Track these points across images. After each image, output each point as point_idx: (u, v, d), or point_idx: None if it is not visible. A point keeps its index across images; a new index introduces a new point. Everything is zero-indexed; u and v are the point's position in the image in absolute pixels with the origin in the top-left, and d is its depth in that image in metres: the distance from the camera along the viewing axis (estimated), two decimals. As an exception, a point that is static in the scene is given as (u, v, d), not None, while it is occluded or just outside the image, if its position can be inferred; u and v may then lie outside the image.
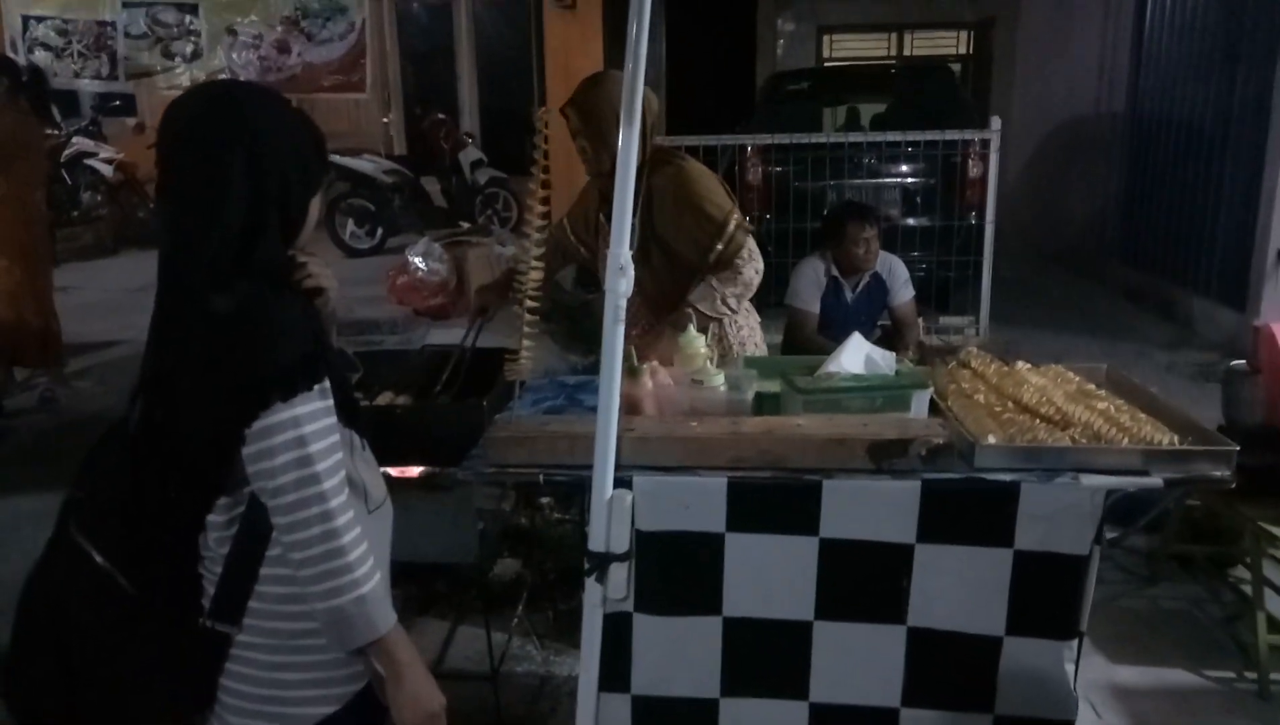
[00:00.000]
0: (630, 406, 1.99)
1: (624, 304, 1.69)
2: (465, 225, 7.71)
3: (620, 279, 1.67)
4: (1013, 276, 7.18)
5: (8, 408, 4.81)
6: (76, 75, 5.30)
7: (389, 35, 9.68)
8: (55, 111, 5.04)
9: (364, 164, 8.36)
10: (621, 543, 1.79)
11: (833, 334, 4.15)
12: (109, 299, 7.16)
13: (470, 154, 8.89)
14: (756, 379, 2.09)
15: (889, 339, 4.37)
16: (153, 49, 5.49)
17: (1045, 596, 1.79)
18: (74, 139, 8.43)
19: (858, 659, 1.86)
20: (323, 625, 1.35)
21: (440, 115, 8.65)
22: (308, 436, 1.30)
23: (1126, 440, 1.84)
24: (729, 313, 2.61)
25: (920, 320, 4.73)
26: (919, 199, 6.63)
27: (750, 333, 2.84)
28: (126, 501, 1.36)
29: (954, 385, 2.14)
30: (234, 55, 5.53)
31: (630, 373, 1.98)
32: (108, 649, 1.35)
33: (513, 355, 1.90)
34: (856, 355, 2.05)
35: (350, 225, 8.51)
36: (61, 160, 8.27)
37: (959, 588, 1.80)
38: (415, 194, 8.73)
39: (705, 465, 1.81)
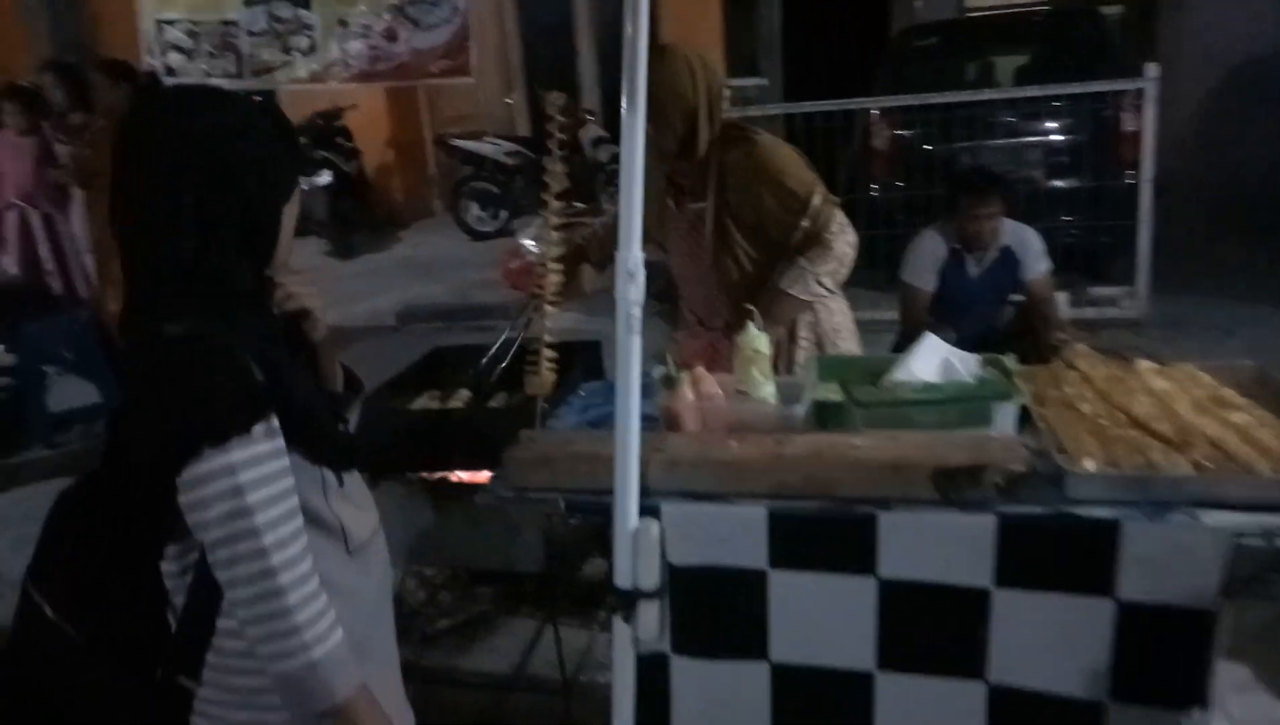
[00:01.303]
0: (669, 422, 1.79)
1: (637, 312, 1.48)
2: (580, 205, 7.61)
3: (630, 285, 1.46)
4: (1179, 241, 6.44)
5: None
6: (206, 75, 5.45)
7: (508, 15, 9.68)
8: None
9: (485, 146, 8.40)
10: (651, 578, 1.59)
11: (955, 313, 3.80)
12: (248, 289, 7.48)
13: (591, 131, 8.78)
14: (820, 386, 1.84)
15: (1024, 317, 3.96)
16: (272, 45, 5.61)
17: (1159, 657, 1.47)
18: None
19: (929, 716, 1.60)
20: (275, 687, 1.23)
21: (557, 93, 8.56)
22: (244, 485, 1.17)
23: (1268, 465, 1.49)
24: (826, 293, 2.36)
25: (1065, 293, 4.29)
26: (1066, 158, 6.03)
27: (844, 319, 2.57)
28: (76, 549, 1.28)
29: (1055, 391, 1.82)
30: (345, 46, 5.58)
31: (667, 383, 1.78)
32: (61, 705, 1.27)
33: (532, 365, 1.72)
34: (931, 359, 1.77)
35: (474, 208, 8.59)
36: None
37: (1048, 641, 1.51)
38: (537, 174, 8.70)
39: (743, 492, 1.59)
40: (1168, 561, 1.42)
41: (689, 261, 2.54)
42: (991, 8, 9.92)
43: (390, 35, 5.41)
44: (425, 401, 2.87)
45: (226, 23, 5.66)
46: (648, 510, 1.59)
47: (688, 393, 1.77)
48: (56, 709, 1.27)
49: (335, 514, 1.36)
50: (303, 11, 5.43)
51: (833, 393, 1.82)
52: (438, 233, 8.82)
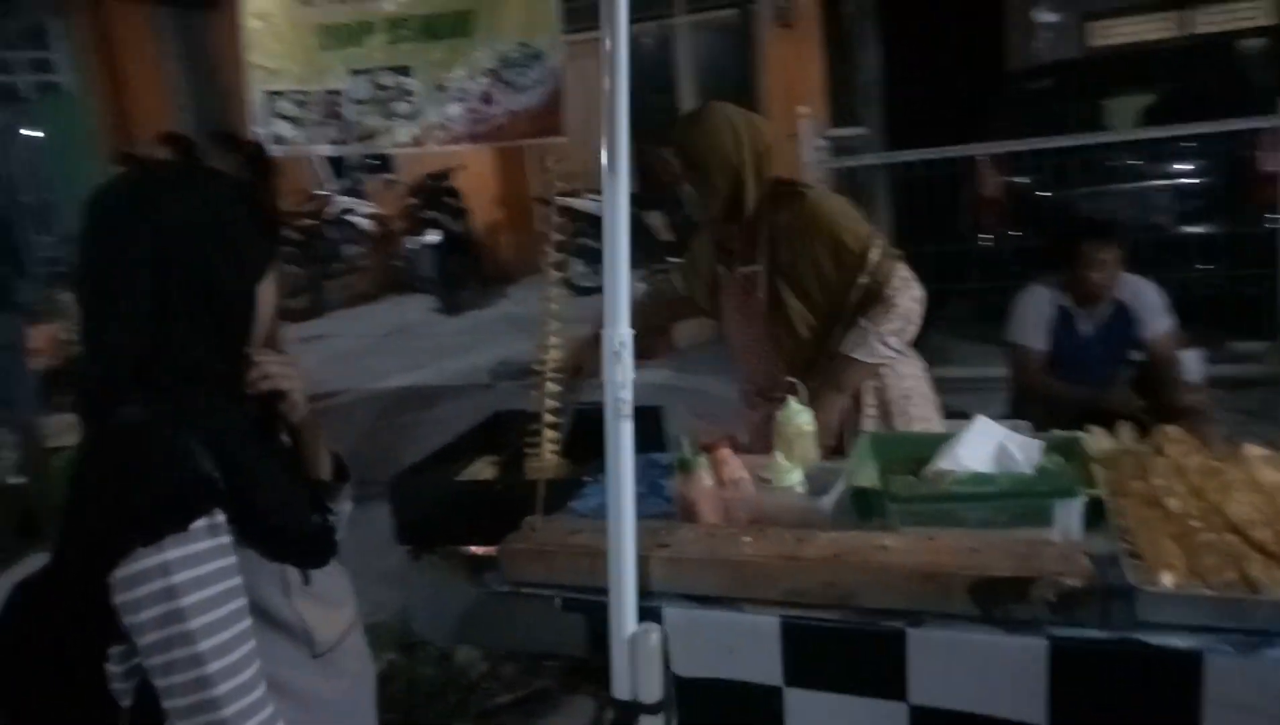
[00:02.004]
0: (684, 511, 1.62)
1: (626, 396, 1.34)
2: (673, 260, 7.53)
3: (617, 365, 1.32)
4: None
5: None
6: (313, 142, 5.63)
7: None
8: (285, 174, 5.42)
9: (588, 203, 8.44)
10: (652, 689, 1.42)
11: (1068, 374, 3.48)
12: (359, 345, 7.71)
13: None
14: (865, 468, 1.64)
15: (1145, 380, 3.59)
16: (375, 111, 5.75)
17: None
18: (338, 198, 9.26)
19: None
20: None
21: (660, 148, 8.56)
22: (179, 587, 1.08)
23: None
24: (893, 355, 2.16)
25: (1200, 350, 3.88)
26: (1199, 202, 5.56)
27: (916, 383, 2.35)
28: (23, 644, 1.21)
29: (1139, 482, 1.56)
30: (444, 110, 5.67)
31: (683, 467, 1.62)
32: None
33: (532, 446, 1.59)
34: (983, 444, 1.54)
35: (578, 265, 8.62)
36: (327, 218, 9.11)
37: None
38: (638, 229, 8.69)
39: (754, 598, 1.41)
40: (1264, 708, 1.16)
41: (743, 329, 2.38)
42: (1115, 44, 9.42)
43: (487, 99, 5.43)
44: (480, 468, 2.78)
45: (332, 92, 5.80)
46: (649, 613, 1.43)
47: (705, 478, 1.60)
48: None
49: (298, 615, 1.26)
50: (404, 79, 5.53)
51: (875, 479, 1.61)
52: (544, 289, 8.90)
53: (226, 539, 1.14)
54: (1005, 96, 6.51)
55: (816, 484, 1.60)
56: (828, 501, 1.51)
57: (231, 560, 1.14)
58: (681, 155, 2.21)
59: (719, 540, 1.48)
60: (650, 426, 2.89)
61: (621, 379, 1.31)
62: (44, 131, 9.76)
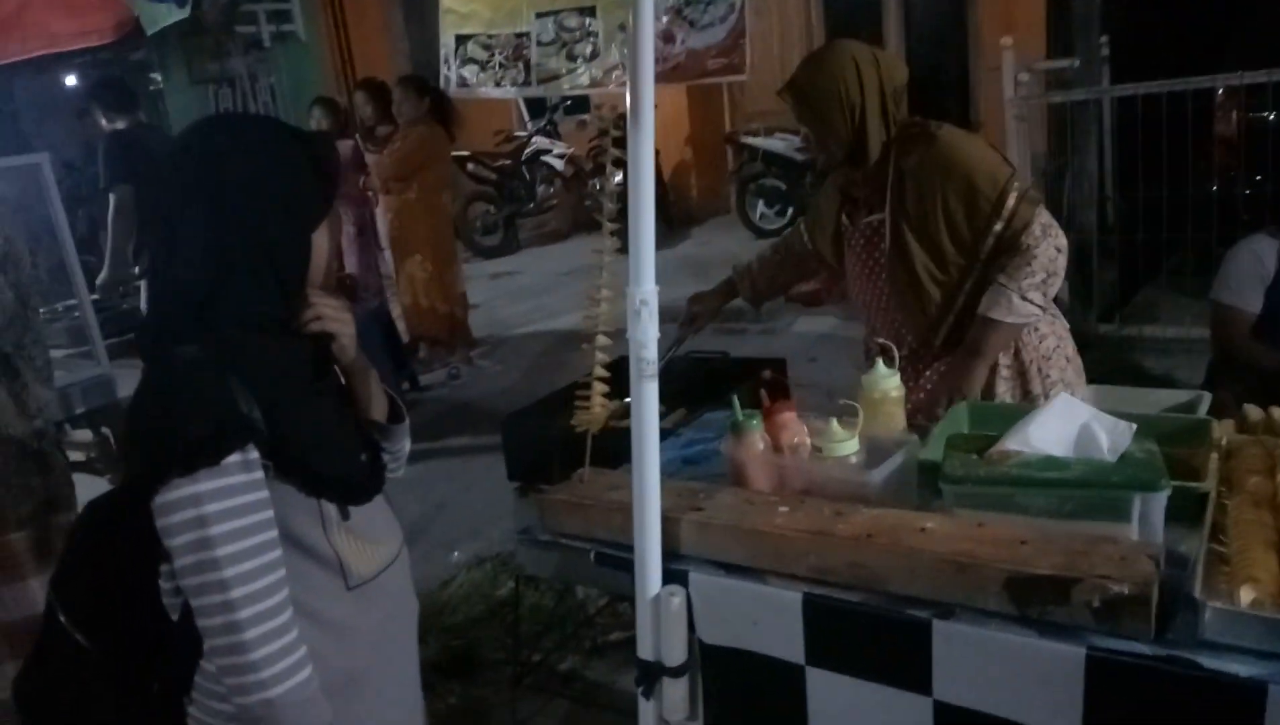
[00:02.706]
0: (734, 475, 1.57)
1: (650, 356, 1.30)
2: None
3: (640, 323, 1.28)
4: None
5: (423, 382, 5.55)
6: (497, 84, 5.85)
7: (814, 8, 9.37)
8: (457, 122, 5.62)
9: (775, 143, 8.22)
10: (675, 654, 1.40)
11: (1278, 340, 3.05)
12: (542, 282, 7.97)
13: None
14: (938, 443, 1.52)
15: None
16: (559, 53, 5.87)
17: None
18: (534, 139, 9.53)
19: None
20: (238, 718, 1.23)
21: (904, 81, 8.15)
22: (209, 516, 1.17)
23: None
24: (1037, 311, 1.98)
25: None
26: None
27: (1056, 342, 2.15)
28: (91, 560, 1.35)
29: (1260, 478, 1.34)
30: (625, 51, 5.66)
31: (735, 429, 1.55)
32: (67, 710, 1.36)
33: (583, 397, 1.59)
34: (1061, 424, 1.37)
35: (760, 205, 8.46)
36: (522, 158, 9.40)
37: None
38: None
39: (779, 572, 1.34)
40: (1335, 758, 0.98)
41: (867, 284, 2.24)
42: None
43: (668, 37, 5.39)
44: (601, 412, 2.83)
45: (520, 35, 5.94)
46: (675, 577, 1.41)
47: (758, 442, 1.53)
48: (68, 717, 1.36)
49: (333, 548, 1.33)
50: (589, 19, 5.58)
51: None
52: (726, 231, 8.81)
53: (259, 474, 1.21)
54: (1247, 20, 5.68)
55: (878, 454, 1.49)
56: (878, 475, 1.40)
57: (263, 495, 1.21)
58: (797, 97, 2.08)
59: (755, 508, 1.42)
60: (772, 382, 2.84)
61: (644, 338, 1.27)
62: (279, 78, 10.65)
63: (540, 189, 9.49)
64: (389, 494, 1.50)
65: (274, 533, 1.22)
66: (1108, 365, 4.66)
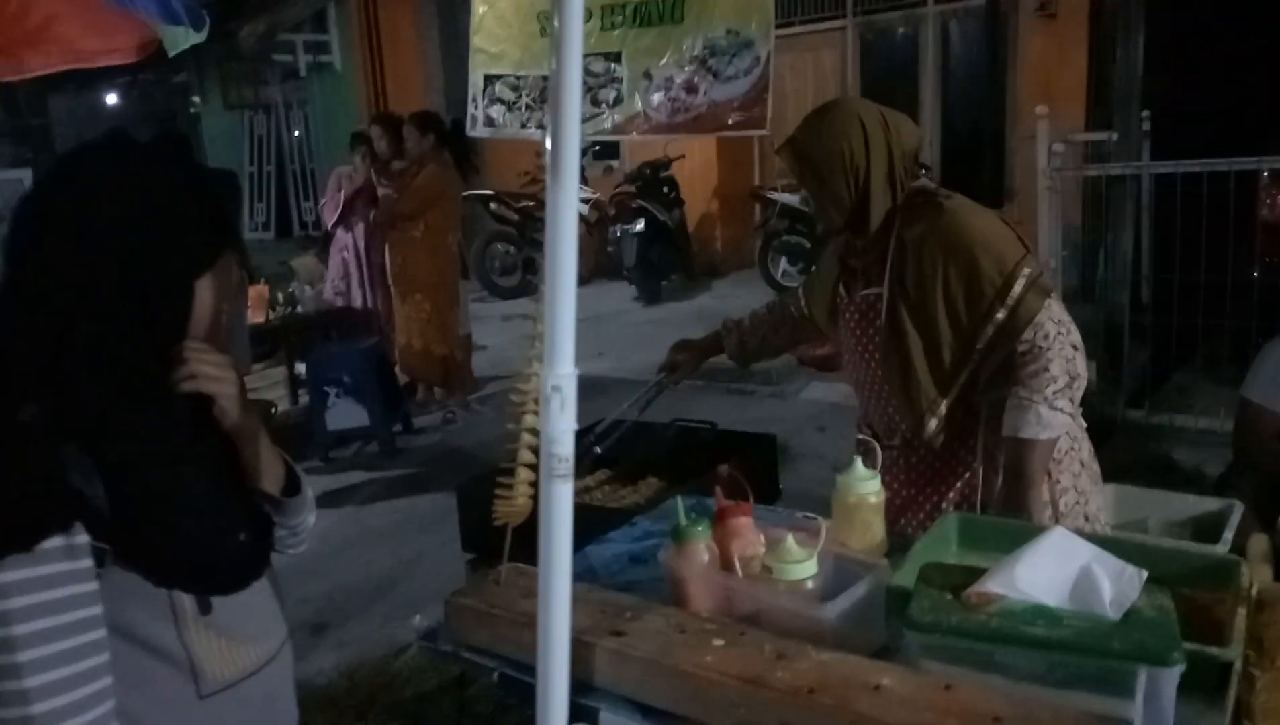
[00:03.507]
0: (673, 591, 1.34)
1: (563, 452, 1.09)
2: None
3: (552, 413, 1.06)
4: None
5: (417, 425, 5.37)
6: (523, 126, 5.75)
7: (850, 67, 9.25)
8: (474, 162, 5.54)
9: (796, 199, 8.06)
10: (582, 804, 1.17)
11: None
12: (554, 328, 7.80)
13: (920, 186, 8.06)
14: (912, 565, 1.29)
15: None
16: (583, 98, 5.73)
17: None
18: (559, 182, 9.44)
19: None
20: None
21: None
22: (14, 613, 0.98)
23: None
24: (1068, 418, 1.77)
25: None
26: None
27: (1072, 445, 1.93)
28: None
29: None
30: (647, 98, 5.56)
31: (677, 536, 1.33)
32: None
33: (504, 487, 1.38)
34: (1056, 564, 1.14)
35: (783, 262, 8.26)
36: (544, 200, 9.28)
37: None
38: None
39: (702, 721, 1.11)
40: None
41: (859, 362, 2.03)
42: None
43: (690, 87, 5.24)
44: (592, 480, 2.65)
45: (547, 77, 5.77)
46: (584, 713, 1.18)
47: (702, 554, 1.31)
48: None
49: (185, 648, 1.13)
50: (614, 65, 5.43)
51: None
52: (747, 286, 8.62)
53: (86, 563, 1.03)
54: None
55: (843, 578, 1.27)
56: (833, 609, 1.17)
57: (88, 588, 1.03)
58: (800, 157, 1.89)
59: (685, 639, 1.19)
60: (757, 456, 2.62)
61: (556, 432, 1.06)
62: (313, 107, 10.70)
63: (562, 233, 9.38)
64: (277, 579, 1.30)
65: (97, 633, 1.03)
66: (1133, 454, 4.38)
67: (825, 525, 1.30)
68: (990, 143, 8.13)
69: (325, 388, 4.79)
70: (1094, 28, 7.35)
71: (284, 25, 9.99)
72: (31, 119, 9.21)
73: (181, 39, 4.46)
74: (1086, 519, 1.92)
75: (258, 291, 5.31)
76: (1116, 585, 1.11)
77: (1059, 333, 1.74)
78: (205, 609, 1.14)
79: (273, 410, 5.35)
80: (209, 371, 1.15)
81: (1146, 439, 4.63)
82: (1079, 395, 1.78)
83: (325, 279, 5.98)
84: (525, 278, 9.18)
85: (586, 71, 6.10)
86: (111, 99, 12.05)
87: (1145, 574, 1.13)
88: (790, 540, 1.26)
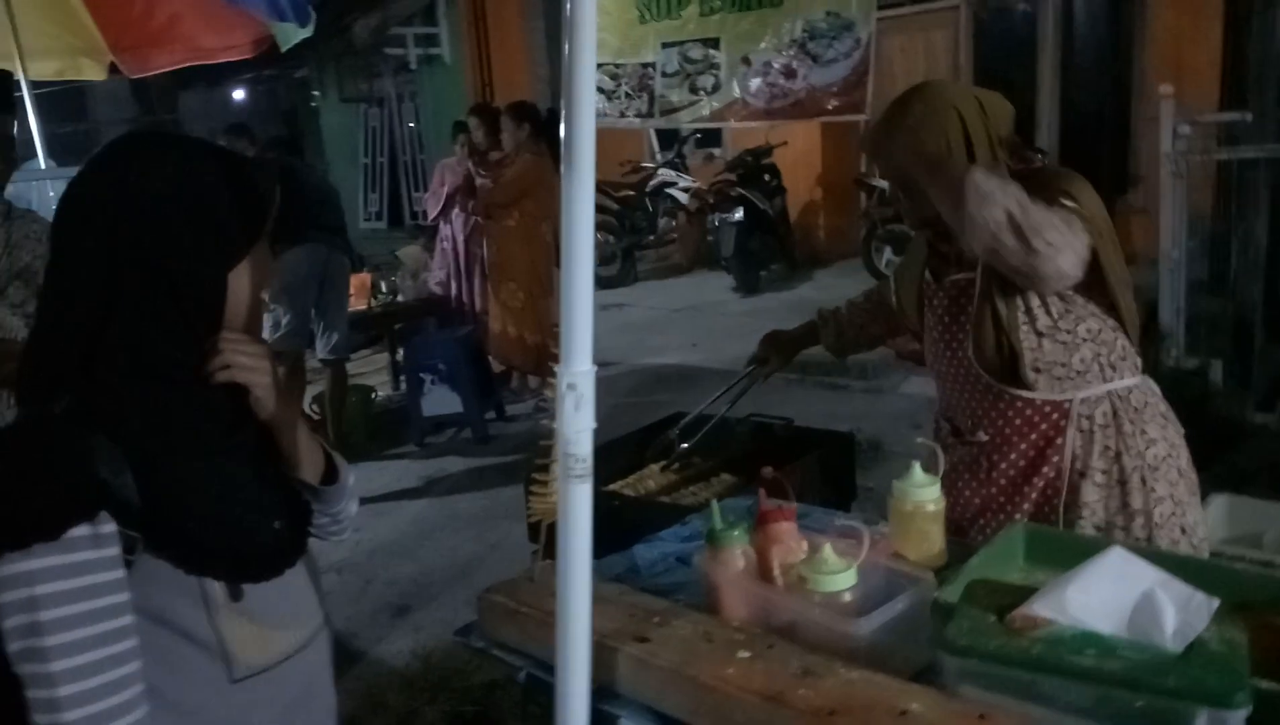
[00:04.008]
0: (708, 596, 1.30)
1: (581, 451, 1.05)
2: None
3: (567, 411, 1.03)
4: None
5: (510, 412, 5.45)
6: (622, 115, 5.74)
7: (964, 47, 8.87)
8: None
9: (904, 186, 7.82)
10: (602, 810, 1.14)
11: None
12: (650, 317, 7.79)
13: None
14: (966, 578, 1.21)
15: None
16: (682, 85, 5.71)
17: None
18: (660, 170, 9.41)
19: None
20: None
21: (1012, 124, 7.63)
22: (41, 599, 1.01)
23: None
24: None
25: None
26: None
27: (1170, 452, 1.78)
28: None
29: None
30: (746, 84, 5.48)
31: (714, 540, 1.29)
32: None
33: (540, 484, 1.36)
34: (1114, 588, 1.04)
35: (888, 252, 8.01)
36: (647, 190, 9.29)
37: None
38: (965, 219, 7.86)
39: (722, 736, 1.07)
40: None
41: (945, 352, 1.91)
42: None
43: (789, 72, 5.13)
44: (648, 472, 2.62)
45: (646, 65, 5.79)
46: (606, 720, 1.15)
47: (738, 560, 1.26)
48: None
49: (216, 633, 1.15)
50: (712, 51, 5.38)
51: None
52: (850, 276, 8.41)
53: (112, 551, 1.05)
54: None
55: (886, 590, 1.19)
56: (866, 625, 1.11)
57: (115, 575, 1.05)
58: (890, 154, 1.78)
59: (711, 648, 1.14)
60: (835, 455, 2.54)
61: (572, 432, 1.03)
62: (424, 98, 10.97)
63: (662, 221, 9.36)
64: (315, 566, 1.32)
65: (124, 620, 1.06)
66: (1260, 461, 4.07)
67: (869, 534, 1.22)
68: (1113, 125, 7.68)
69: (421, 375, 4.91)
70: (1229, 2, 6.84)
71: (396, 19, 10.26)
72: (163, 114, 9.75)
73: (291, 35, 4.64)
74: (1184, 532, 1.77)
75: (360, 280, 5.47)
76: (1182, 614, 1.01)
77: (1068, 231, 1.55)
78: (236, 595, 1.15)
79: (373, 395, 5.52)
80: (244, 361, 1.16)
81: (1277, 444, 4.29)
82: (1049, 249, 1.51)
83: (429, 268, 6.13)
84: (624, 266, 9.20)
85: (684, 58, 6.03)
86: (238, 94, 12.66)
87: (1216, 602, 1.02)
88: (828, 549, 1.19)
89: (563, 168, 1.01)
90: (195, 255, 1.14)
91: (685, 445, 2.35)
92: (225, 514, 1.16)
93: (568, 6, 0.97)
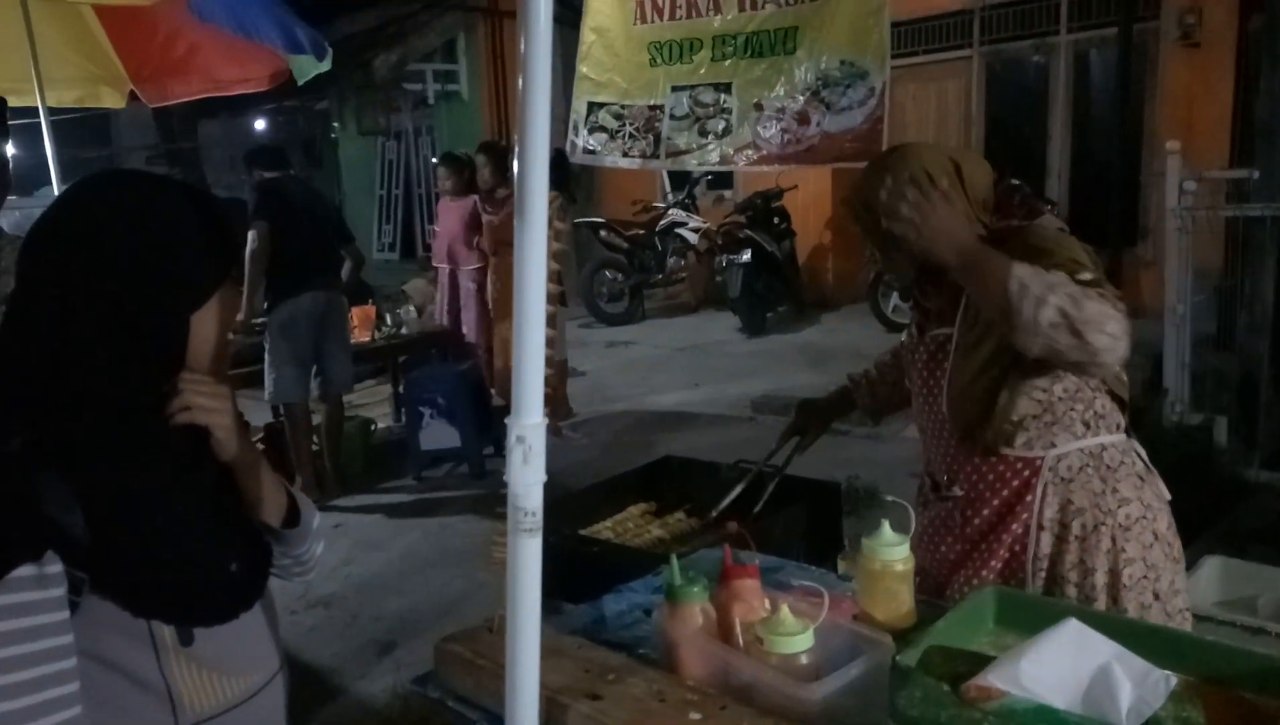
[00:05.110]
0: (665, 654, 1.27)
1: (530, 505, 1.05)
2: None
3: (516, 464, 1.02)
4: None
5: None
6: (624, 155, 5.78)
7: (976, 98, 8.93)
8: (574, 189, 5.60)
9: (912, 233, 7.83)
10: None
11: None
12: (655, 355, 7.80)
13: (1046, 223, 7.68)
14: (925, 641, 1.18)
15: None
16: (690, 129, 5.75)
17: None
18: (671, 210, 9.47)
19: None
20: None
21: (1014, 182, 7.64)
22: None
23: None
24: (1052, 303, 1.48)
25: None
26: None
27: (1145, 513, 1.72)
28: None
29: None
30: (758, 129, 5.51)
31: (672, 595, 1.27)
32: None
33: (502, 536, 1.34)
34: (1070, 660, 1.02)
35: (894, 298, 8.01)
36: (657, 229, 9.35)
37: None
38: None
39: (668, 802, 1.05)
40: None
41: (924, 406, 1.91)
42: None
43: (803, 119, 5.17)
44: (631, 513, 2.62)
45: (653, 106, 5.84)
46: (554, 778, 1.13)
47: (696, 617, 1.24)
48: None
49: (164, 678, 1.14)
50: (724, 96, 5.43)
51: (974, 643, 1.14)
52: (856, 320, 8.40)
53: (57, 592, 1.04)
54: None
55: (844, 654, 1.17)
56: (820, 690, 1.08)
57: (59, 617, 1.03)
58: (864, 215, 1.79)
59: (663, 709, 1.12)
60: (821, 505, 2.51)
61: (521, 486, 1.02)
62: (441, 133, 11.11)
63: (671, 261, 9.40)
64: (273, 609, 1.30)
65: (66, 663, 1.04)
66: (1265, 520, 4.01)
67: (828, 594, 1.20)
68: (1122, 178, 7.69)
69: (421, 408, 4.91)
70: (1241, 57, 6.87)
71: (416, 55, 10.43)
72: (183, 142, 9.90)
73: (308, 68, 4.71)
74: (1156, 597, 1.73)
75: (365, 312, 5.50)
76: (1138, 690, 0.98)
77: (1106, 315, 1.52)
78: (187, 640, 1.14)
79: (372, 427, 5.52)
80: (204, 402, 1.15)
81: (1281, 504, 4.23)
82: (1096, 340, 1.47)
83: (435, 301, 6.16)
84: (632, 304, 9.23)
85: (695, 102, 6.09)
86: (259, 124, 12.85)
87: (1174, 680, 1.00)
88: (785, 610, 1.18)
89: (515, 221, 1.01)
90: (155, 295, 1.13)
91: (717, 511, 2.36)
92: (177, 555, 1.14)
93: (521, 40, 0.97)
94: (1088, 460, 1.70)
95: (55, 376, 1.09)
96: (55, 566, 1.02)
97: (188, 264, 1.16)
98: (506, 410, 4.40)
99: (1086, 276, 1.59)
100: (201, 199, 1.23)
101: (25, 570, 1.00)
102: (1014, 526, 1.75)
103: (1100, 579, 1.65)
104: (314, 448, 4.93)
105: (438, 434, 4.92)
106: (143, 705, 1.12)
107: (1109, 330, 1.48)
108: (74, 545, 1.04)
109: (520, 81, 0.98)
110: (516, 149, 1.01)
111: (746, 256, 8.05)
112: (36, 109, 4.09)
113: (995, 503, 1.76)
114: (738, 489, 2.43)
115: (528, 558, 1.05)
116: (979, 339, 1.70)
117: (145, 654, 1.11)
